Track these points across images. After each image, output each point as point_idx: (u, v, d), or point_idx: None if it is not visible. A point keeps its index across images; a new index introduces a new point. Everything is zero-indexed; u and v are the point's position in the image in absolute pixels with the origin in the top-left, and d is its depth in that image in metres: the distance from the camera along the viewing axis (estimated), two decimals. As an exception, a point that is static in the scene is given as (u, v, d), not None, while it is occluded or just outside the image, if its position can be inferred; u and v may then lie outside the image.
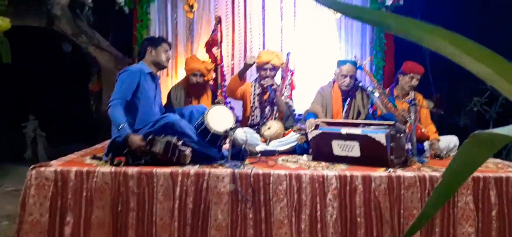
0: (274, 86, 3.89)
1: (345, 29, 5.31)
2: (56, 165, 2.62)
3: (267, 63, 3.89)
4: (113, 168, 2.59)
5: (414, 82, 3.88)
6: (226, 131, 2.92)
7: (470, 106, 5.55)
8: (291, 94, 4.23)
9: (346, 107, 3.79)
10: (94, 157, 2.98)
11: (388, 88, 4.10)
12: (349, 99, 3.80)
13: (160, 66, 3.21)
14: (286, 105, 3.96)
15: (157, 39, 3.24)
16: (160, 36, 3.51)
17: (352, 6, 0.47)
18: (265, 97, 3.98)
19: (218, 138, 2.97)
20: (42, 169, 2.54)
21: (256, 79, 4.10)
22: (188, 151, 2.76)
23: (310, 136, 3.26)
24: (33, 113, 5.94)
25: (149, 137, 2.73)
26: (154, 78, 3.16)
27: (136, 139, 2.75)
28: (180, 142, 2.76)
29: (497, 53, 0.40)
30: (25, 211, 2.49)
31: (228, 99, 4.48)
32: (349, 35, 5.32)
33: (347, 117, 3.75)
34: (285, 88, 4.12)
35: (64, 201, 2.53)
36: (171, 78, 5.10)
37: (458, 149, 3.53)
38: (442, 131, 3.94)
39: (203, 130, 2.94)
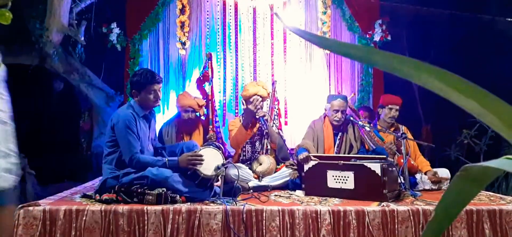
0: (266, 117, 3.87)
1: (334, 64, 5.40)
2: (44, 204, 2.57)
3: (254, 95, 3.82)
4: (103, 207, 2.54)
5: (394, 112, 3.92)
6: (217, 168, 2.88)
7: (460, 139, 5.60)
8: (280, 125, 4.22)
9: (337, 141, 3.80)
10: (84, 196, 2.93)
11: (372, 123, 4.12)
12: (340, 133, 3.82)
13: (148, 107, 3.08)
14: (278, 135, 3.91)
15: (143, 81, 2.98)
16: (149, 73, 3.09)
17: (339, 43, 0.48)
18: (255, 129, 3.91)
19: (208, 180, 2.91)
20: (30, 208, 2.49)
21: (243, 113, 4.03)
22: (178, 197, 2.73)
23: (306, 168, 3.25)
24: (22, 151, 5.85)
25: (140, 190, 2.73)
26: (147, 117, 3.10)
27: (184, 156, 2.87)
28: (170, 191, 2.74)
29: (483, 88, 0.40)
30: (12, 252, 2.42)
31: (220, 135, 4.46)
32: (338, 69, 5.41)
33: (339, 151, 3.76)
34: (274, 119, 4.11)
35: (52, 241, 2.46)
36: (163, 114, 5.09)
37: (449, 182, 3.53)
38: (433, 164, 3.97)
39: (193, 173, 2.88)
